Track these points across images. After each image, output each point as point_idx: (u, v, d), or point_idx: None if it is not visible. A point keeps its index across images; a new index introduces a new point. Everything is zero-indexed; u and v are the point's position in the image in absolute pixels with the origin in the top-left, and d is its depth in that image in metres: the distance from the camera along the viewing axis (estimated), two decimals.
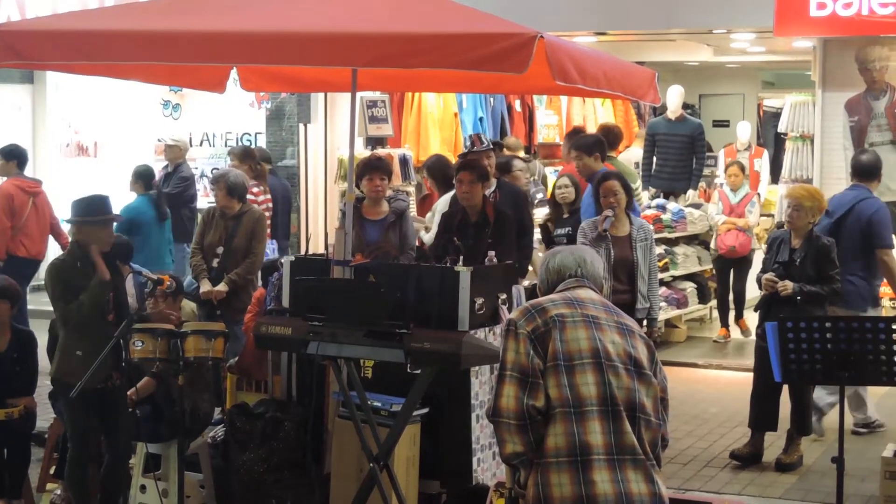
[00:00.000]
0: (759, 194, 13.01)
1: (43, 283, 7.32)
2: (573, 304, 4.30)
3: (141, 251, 10.50)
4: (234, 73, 8.14)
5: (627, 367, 4.19)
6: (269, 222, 10.19)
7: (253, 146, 12.96)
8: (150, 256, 10.63)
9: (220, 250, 9.17)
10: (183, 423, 6.63)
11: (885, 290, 10.86)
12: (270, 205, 10.90)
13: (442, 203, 9.51)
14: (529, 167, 13.31)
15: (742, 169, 12.77)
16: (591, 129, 14.93)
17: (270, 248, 10.23)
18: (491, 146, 9.49)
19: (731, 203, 12.45)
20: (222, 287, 9.02)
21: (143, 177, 11.39)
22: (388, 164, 8.70)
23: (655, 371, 4.31)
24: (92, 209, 6.84)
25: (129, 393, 7.00)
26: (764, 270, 8.27)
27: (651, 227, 9.18)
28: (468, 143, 9.13)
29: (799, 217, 8.11)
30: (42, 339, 7.49)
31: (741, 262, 12.44)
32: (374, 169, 8.37)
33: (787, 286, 7.97)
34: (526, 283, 8.61)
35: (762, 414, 8.32)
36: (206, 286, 9.03)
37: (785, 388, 8.10)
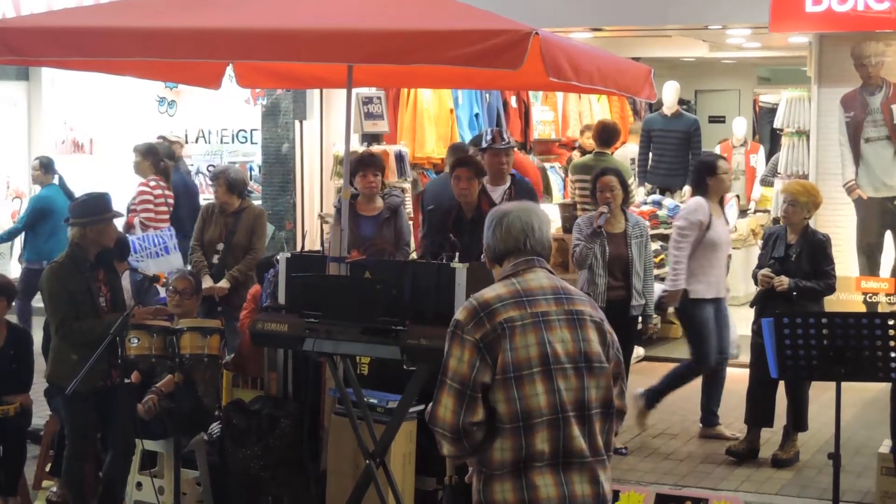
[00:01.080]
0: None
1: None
2: (522, 304, 4.09)
3: (52, 238, 11.08)
4: (229, 70, 8.13)
5: (577, 366, 4.07)
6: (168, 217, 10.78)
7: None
8: (62, 242, 10.89)
9: (220, 246, 9.20)
10: (204, 419, 6.66)
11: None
12: (171, 200, 11.08)
13: None
14: None
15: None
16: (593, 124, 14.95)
17: (172, 244, 10.34)
18: (513, 143, 9.12)
19: None
20: (224, 283, 9.06)
21: (48, 167, 11.58)
22: (380, 161, 8.71)
23: (608, 352, 4.18)
24: (97, 208, 6.85)
25: (157, 386, 7.00)
26: (760, 266, 8.28)
27: (647, 223, 9.19)
28: (488, 138, 8.89)
29: (795, 213, 8.12)
30: (37, 337, 7.48)
31: None
32: (367, 165, 8.37)
33: (784, 282, 7.97)
34: None
35: (758, 410, 8.32)
36: (207, 282, 9.04)
37: (781, 384, 8.10)
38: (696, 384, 10.77)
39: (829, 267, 8.06)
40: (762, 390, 8.22)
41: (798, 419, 8.28)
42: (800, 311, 7.33)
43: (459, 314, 4.08)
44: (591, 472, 4.05)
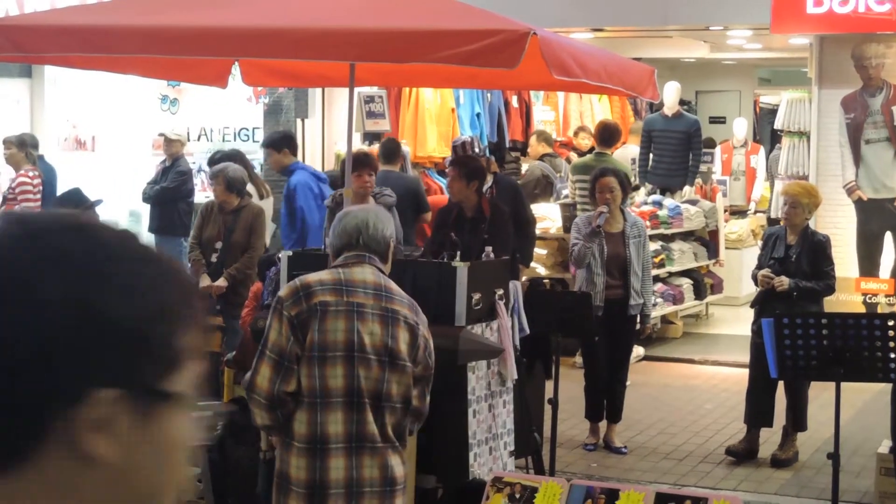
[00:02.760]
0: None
1: None
2: (341, 291, 4.39)
3: None
4: (235, 68, 8.14)
5: (381, 359, 4.38)
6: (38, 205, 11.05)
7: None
8: None
9: (218, 245, 9.21)
10: None
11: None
12: (41, 188, 11.46)
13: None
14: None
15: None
16: (588, 125, 14.98)
17: None
18: (479, 152, 9.48)
19: None
20: (221, 282, 9.06)
21: None
22: (374, 160, 8.73)
23: (416, 355, 4.47)
24: (71, 202, 6.86)
25: None
26: (759, 267, 8.29)
27: (644, 223, 9.22)
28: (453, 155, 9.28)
29: (796, 214, 8.13)
30: None
31: None
32: (361, 164, 8.38)
33: (784, 282, 7.99)
34: (524, 278, 8.64)
35: (758, 410, 8.33)
36: (205, 281, 9.05)
37: (780, 384, 8.12)
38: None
39: (828, 268, 8.08)
40: (762, 390, 8.23)
41: (797, 419, 8.29)
42: (799, 311, 7.35)
43: (282, 291, 4.46)
44: (382, 458, 4.40)
